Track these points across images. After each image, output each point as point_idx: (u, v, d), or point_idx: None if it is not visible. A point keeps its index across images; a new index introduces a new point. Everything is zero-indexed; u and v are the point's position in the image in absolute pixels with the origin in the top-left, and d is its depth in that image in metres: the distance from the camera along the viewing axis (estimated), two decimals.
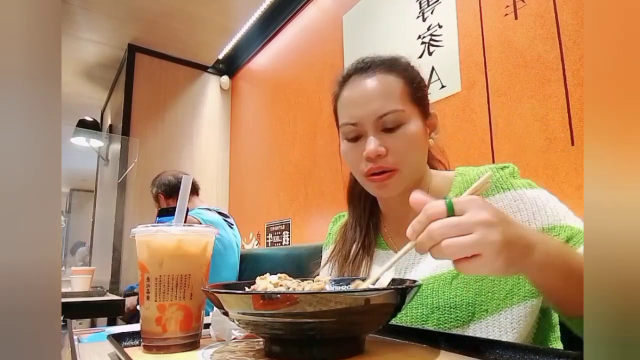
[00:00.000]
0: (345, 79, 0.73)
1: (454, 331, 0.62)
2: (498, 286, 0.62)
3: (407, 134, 0.67)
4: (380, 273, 0.49)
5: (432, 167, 0.80)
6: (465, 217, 0.41)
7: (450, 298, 0.63)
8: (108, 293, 2.18)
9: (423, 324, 0.65)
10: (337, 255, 0.80)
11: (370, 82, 0.69)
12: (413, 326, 0.65)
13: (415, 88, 0.70)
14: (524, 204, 0.64)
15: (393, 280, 0.53)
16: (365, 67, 0.71)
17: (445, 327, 0.63)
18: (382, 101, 0.67)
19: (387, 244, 0.78)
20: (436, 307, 0.64)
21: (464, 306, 0.62)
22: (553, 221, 0.62)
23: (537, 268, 0.46)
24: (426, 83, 0.75)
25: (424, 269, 0.68)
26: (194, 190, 2.13)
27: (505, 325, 0.60)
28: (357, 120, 0.68)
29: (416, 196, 0.45)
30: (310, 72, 2.48)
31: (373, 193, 0.72)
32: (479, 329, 0.61)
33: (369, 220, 0.80)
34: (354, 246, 0.79)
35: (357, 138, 0.69)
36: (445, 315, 0.63)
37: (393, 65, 0.71)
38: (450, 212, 0.42)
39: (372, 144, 0.66)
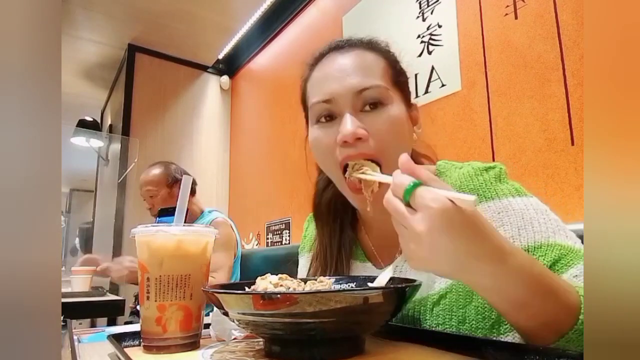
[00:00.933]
0: (318, 59, 0.64)
1: (459, 333, 0.59)
2: (483, 314, 0.55)
3: (392, 115, 0.58)
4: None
5: (418, 163, 0.71)
6: (410, 218, 0.39)
7: (432, 327, 0.58)
8: (108, 293, 2.18)
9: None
10: (315, 273, 0.73)
11: (348, 58, 0.61)
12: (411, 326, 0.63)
13: (398, 72, 0.63)
14: (509, 218, 0.55)
15: (392, 279, 0.53)
16: (341, 45, 0.64)
17: None
18: (362, 76, 0.58)
19: (367, 254, 0.70)
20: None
21: None
22: (540, 238, 0.53)
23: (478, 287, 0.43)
24: (406, 74, 0.67)
25: None
26: (192, 190, 2.06)
27: None
28: (332, 97, 0.58)
29: (404, 159, 0.41)
30: None
31: (349, 195, 0.61)
32: None
33: (340, 238, 0.71)
34: (328, 270, 0.70)
35: (330, 120, 0.60)
36: None
37: (373, 45, 0.64)
38: (405, 199, 0.39)
39: (349, 124, 0.55)
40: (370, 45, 0.64)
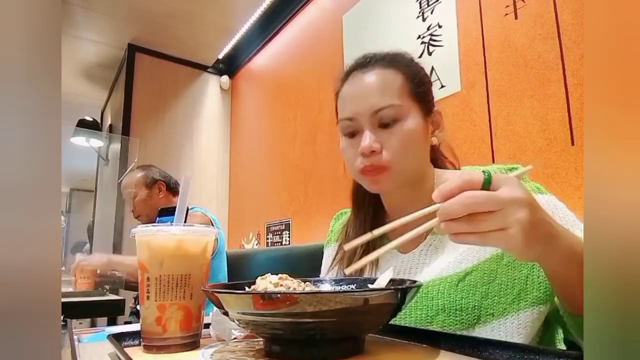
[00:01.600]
0: (347, 75, 0.73)
1: (459, 333, 0.61)
2: (505, 290, 0.61)
3: (404, 130, 0.66)
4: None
5: (441, 166, 0.79)
6: (499, 192, 0.41)
7: (456, 300, 0.62)
8: (108, 293, 2.18)
9: (427, 325, 0.64)
10: (341, 259, 0.79)
11: (368, 77, 0.69)
12: (417, 327, 0.65)
13: (417, 84, 0.70)
14: None
15: (393, 280, 0.53)
16: (365, 63, 0.71)
17: (450, 329, 0.62)
18: (379, 96, 0.66)
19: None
20: (441, 309, 0.63)
21: (469, 309, 0.61)
22: None
23: (558, 258, 0.46)
24: (430, 80, 0.74)
25: (431, 270, 0.67)
26: (174, 191, 2.02)
27: (512, 329, 0.59)
28: (354, 116, 0.68)
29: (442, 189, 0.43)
30: (310, 71, 2.48)
31: (367, 188, 0.72)
32: (484, 333, 0.60)
33: (372, 221, 0.79)
34: (358, 249, 0.77)
35: (354, 134, 0.69)
36: (451, 317, 0.62)
37: (393, 60, 0.71)
38: (486, 185, 0.41)
39: (367, 139, 0.65)
40: (391, 62, 0.71)
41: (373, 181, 0.68)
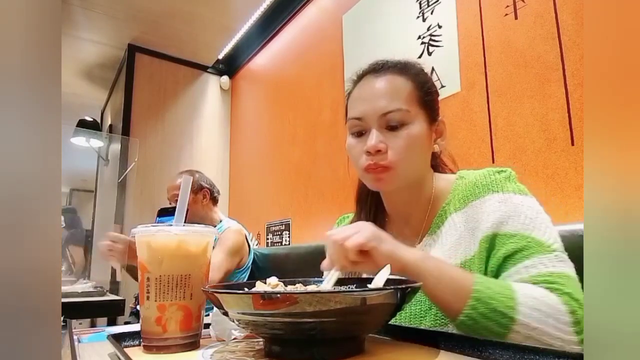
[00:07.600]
0: (359, 78, 0.77)
1: (451, 327, 0.62)
2: None
3: (410, 134, 0.69)
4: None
5: (441, 172, 0.82)
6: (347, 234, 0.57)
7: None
8: (108, 293, 2.18)
9: (421, 319, 0.67)
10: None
11: (380, 82, 0.72)
12: (411, 324, 0.67)
13: (425, 92, 0.73)
14: (505, 206, 0.65)
15: (392, 280, 0.53)
16: (377, 68, 0.75)
17: (443, 322, 0.64)
18: (389, 100, 0.70)
19: None
20: (434, 304, 0.65)
21: None
22: (520, 229, 0.63)
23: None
24: (437, 90, 0.77)
25: None
26: (215, 199, 2.02)
27: None
28: (362, 116, 0.71)
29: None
30: (310, 72, 2.48)
31: (370, 186, 0.74)
32: None
33: (374, 220, 0.81)
34: None
35: (361, 133, 0.72)
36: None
37: (404, 68, 0.74)
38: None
39: (373, 139, 0.69)
40: (402, 69, 0.74)
41: (376, 179, 0.71)
